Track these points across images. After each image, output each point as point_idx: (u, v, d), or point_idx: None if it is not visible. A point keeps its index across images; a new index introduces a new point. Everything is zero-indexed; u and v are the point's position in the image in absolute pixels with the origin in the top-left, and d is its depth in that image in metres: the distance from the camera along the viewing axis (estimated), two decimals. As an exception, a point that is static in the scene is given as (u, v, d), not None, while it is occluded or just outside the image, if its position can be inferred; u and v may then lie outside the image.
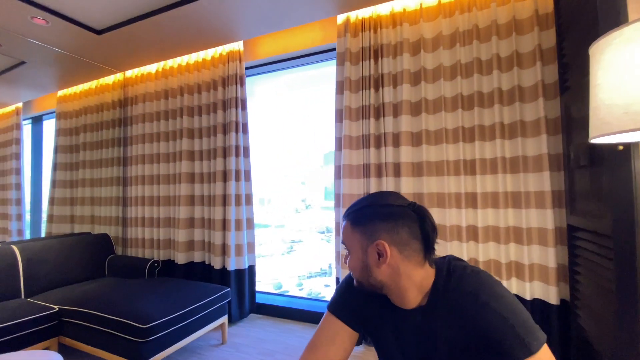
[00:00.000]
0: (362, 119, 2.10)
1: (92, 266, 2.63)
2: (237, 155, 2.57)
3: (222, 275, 2.56)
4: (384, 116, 2.04)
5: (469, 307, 0.62)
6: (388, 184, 2.02)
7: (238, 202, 2.57)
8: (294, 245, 4.20)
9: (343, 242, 0.74)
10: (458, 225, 1.88)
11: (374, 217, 0.69)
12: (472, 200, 1.86)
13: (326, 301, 2.87)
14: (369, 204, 0.71)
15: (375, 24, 2.10)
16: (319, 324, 0.78)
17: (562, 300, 1.65)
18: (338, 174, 2.17)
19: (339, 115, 2.18)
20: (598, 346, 1.28)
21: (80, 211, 3.34)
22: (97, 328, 1.77)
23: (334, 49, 2.37)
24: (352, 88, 2.14)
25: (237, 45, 2.60)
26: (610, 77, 0.86)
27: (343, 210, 1.91)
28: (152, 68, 3.02)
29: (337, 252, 2.20)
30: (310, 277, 3.96)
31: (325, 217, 4.09)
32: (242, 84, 2.60)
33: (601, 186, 1.23)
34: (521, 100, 1.76)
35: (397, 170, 2.02)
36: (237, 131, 2.57)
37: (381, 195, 0.73)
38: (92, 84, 3.36)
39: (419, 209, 0.68)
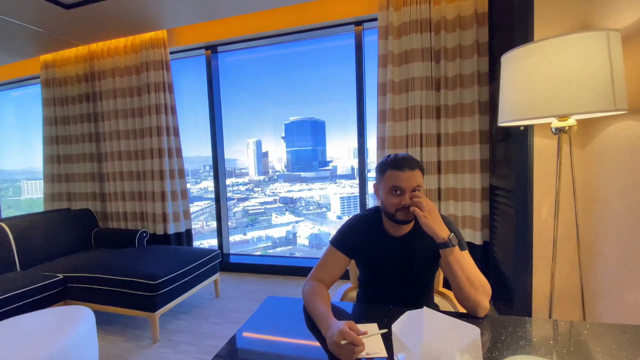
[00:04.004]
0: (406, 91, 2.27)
1: (78, 239, 2.75)
2: (168, 134, 2.95)
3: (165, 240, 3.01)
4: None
5: None
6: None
7: (172, 176, 2.97)
8: (258, 217, 4.32)
9: (418, 186, 0.98)
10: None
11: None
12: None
13: (275, 256, 3.44)
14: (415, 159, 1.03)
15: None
16: (324, 253, 1.12)
17: (485, 242, 2.19)
18: (382, 145, 2.37)
19: (382, 89, 2.34)
20: (505, 269, 1.81)
21: (58, 188, 3.35)
22: (106, 289, 2.01)
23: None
24: (395, 62, 2.27)
25: (161, 33, 2.86)
26: (510, 82, 1.26)
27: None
28: (119, 42, 2.98)
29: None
30: (276, 246, 4.21)
31: (288, 188, 4.28)
32: (168, 69, 2.90)
33: (510, 155, 1.69)
34: (462, 86, 2.16)
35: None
36: (166, 113, 2.94)
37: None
38: (55, 55, 3.22)
39: None
